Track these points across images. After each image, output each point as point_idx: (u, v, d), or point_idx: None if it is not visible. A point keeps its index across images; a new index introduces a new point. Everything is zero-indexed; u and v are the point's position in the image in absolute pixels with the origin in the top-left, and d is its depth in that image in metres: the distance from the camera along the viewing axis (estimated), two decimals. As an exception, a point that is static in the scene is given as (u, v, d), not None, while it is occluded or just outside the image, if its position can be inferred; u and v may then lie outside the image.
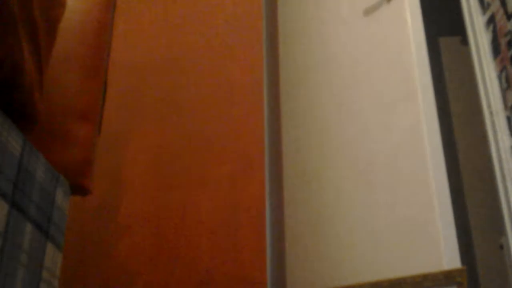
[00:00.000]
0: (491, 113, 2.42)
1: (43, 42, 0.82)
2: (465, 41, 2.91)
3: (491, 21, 2.55)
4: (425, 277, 1.22)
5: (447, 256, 2.15)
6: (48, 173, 0.84)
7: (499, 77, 2.43)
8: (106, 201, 1.78)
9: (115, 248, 1.71)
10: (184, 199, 1.77)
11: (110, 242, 1.72)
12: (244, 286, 1.63)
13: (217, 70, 1.97)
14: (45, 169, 0.82)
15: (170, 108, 1.91)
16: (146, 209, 1.76)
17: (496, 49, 2.47)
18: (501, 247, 2.46)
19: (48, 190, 0.83)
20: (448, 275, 1.20)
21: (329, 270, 2.17)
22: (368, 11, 2.66)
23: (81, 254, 1.71)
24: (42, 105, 0.91)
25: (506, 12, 2.42)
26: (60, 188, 0.88)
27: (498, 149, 2.35)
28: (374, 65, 2.56)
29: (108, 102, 1.86)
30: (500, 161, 2.32)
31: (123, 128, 1.89)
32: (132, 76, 1.97)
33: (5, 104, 0.74)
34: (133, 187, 1.79)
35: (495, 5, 2.50)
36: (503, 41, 2.41)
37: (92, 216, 1.75)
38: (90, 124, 1.01)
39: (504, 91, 2.39)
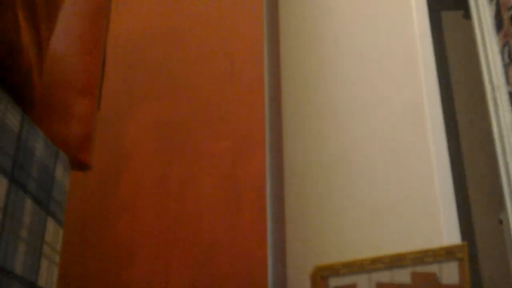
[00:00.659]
0: (492, 88, 2.41)
1: (43, 24, 0.80)
2: (467, 15, 2.88)
3: (494, -6, 2.52)
4: (425, 253, 1.22)
5: (447, 231, 2.16)
6: (48, 149, 0.83)
7: (502, 52, 2.41)
8: (106, 176, 1.78)
9: (116, 223, 1.71)
10: (184, 175, 1.77)
11: (111, 217, 1.72)
12: (244, 261, 1.64)
13: (217, 44, 1.95)
14: (44, 144, 0.82)
15: (170, 83, 1.90)
16: (147, 184, 1.76)
17: (499, 24, 2.45)
18: (501, 222, 2.47)
19: (47, 165, 0.82)
20: (449, 251, 1.20)
21: (330, 245, 2.18)
22: (370, -16, 2.63)
23: (82, 230, 1.71)
24: (41, 87, 0.90)
25: (510, -15, 2.39)
26: (59, 163, 0.88)
27: (499, 124, 2.34)
28: (377, 38, 2.54)
29: (107, 76, 1.85)
30: (501, 136, 2.31)
31: (123, 103, 1.88)
32: (131, 50, 1.95)
33: (2, 84, 0.73)
34: (133, 163, 1.79)
35: (499, -22, 2.47)
36: (506, 16, 2.38)
37: (93, 191, 1.76)
38: (89, 98, 1.00)
39: (506, 66, 2.37)
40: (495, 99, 2.37)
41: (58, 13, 0.85)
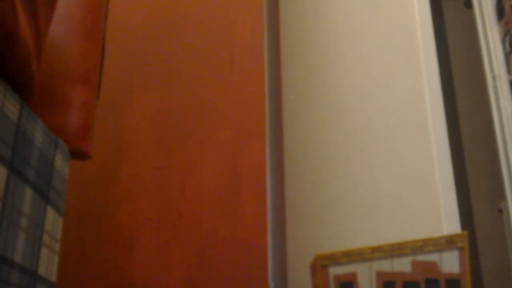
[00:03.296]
0: (493, 77, 2.40)
1: (41, 11, 0.80)
2: (468, 4, 2.86)
3: (496, -17, 2.51)
4: (426, 242, 1.22)
5: (447, 221, 2.16)
6: (47, 138, 0.83)
7: (503, 41, 2.40)
8: (107, 166, 1.77)
9: (116, 212, 1.71)
10: (185, 164, 1.76)
11: (111, 206, 1.72)
12: (245, 250, 1.64)
13: (217, 33, 1.94)
14: (44, 133, 0.81)
15: (170, 72, 1.89)
16: (147, 174, 1.76)
17: (500, 12, 2.44)
18: (500, 211, 2.47)
19: (46, 154, 0.82)
20: (449, 240, 1.20)
21: (330, 234, 2.18)
22: (371, -27, 2.61)
23: (82, 219, 1.71)
24: (40, 75, 0.89)
25: (511, -27, 2.38)
26: (59, 152, 0.87)
27: (499, 114, 2.33)
28: (377, 27, 2.53)
29: (107, 66, 1.84)
30: (501, 125, 2.31)
31: (123, 92, 1.87)
32: (131, 39, 1.94)
33: (0, 72, 0.72)
34: (133, 152, 1.79)
35: (501, -33, 2.45)
36: (507, 4, 2.37)
37: (92, 181, 1.75)
38: (89, 87, 1.00)
39: (507, 55, 2.36)
40: (495, 88, 2.37)
41: (57, 0, 0.85)
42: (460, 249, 1.20)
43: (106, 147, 1.79)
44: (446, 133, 2.33)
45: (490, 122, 2.44)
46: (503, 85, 2.33)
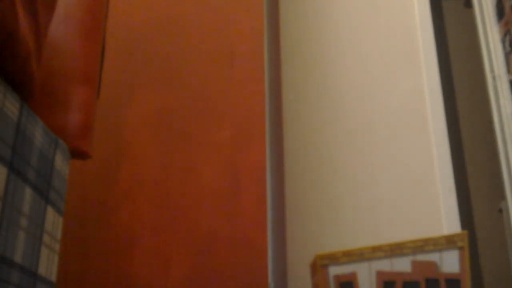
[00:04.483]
0: (493, 77, 2.40)
1: (41, 10, 0.80)
2: (468, 4, 2.86)
3: (496, -17, 2.51)
4: (426, 242, 1.22)
5: (447, 220, 2.16)
6: (47, 137, 0.83)
7: (503, 41, 2.40)
8: (107, 165, 1.77)
9: (116, 212, 1.71)
10: (185, 164, 1.76)
11: (111, 206, 1.72)
12: (244, 250, 1.64)
13: (217, 32, 1.94)
14: (44, 133, 0.81)
15: (170, 72, 1.89)
16: (147, 173, 1.76)
17: (500, 12, 2.43)
18: (500, 211, 2.47)
19: (46, 154, 0.82)
20: (449, 240, 1.20)
21: (330, 234, 2.18)
22: (371, -27, 2.61)
23: (82, 219, 1.71)
24: (40, 74, 0.89)
25: (511, -27, 2.38)
26: (59, 152, 0.87)
27: (499, 114, 2.33)
28: (377, 28, 2.53)
29: (107, 65, 1.84)
30: (501, 125, 2.31)
31: (123, 92, 1.87)
32: (131, 39, 1.94)
33: (0, 72, 0.72)
34: (133, 152, 1.78)
35: (501, -33, 2.45)
36: (507, 4, 2.37)
37: (92, 181, 1.75)
38: (89, 87, 1.00)
39: (507, 55, 2.36)
40: (496, 88, 2.37)
41: (57, 0, 0.85)
42: (460, 249, 1.20)
43: (106, 147, 1.79)
44: (446, 133, 2.33)
45: (490, 122, 2.44)
46: (503, 85, 2.33)
